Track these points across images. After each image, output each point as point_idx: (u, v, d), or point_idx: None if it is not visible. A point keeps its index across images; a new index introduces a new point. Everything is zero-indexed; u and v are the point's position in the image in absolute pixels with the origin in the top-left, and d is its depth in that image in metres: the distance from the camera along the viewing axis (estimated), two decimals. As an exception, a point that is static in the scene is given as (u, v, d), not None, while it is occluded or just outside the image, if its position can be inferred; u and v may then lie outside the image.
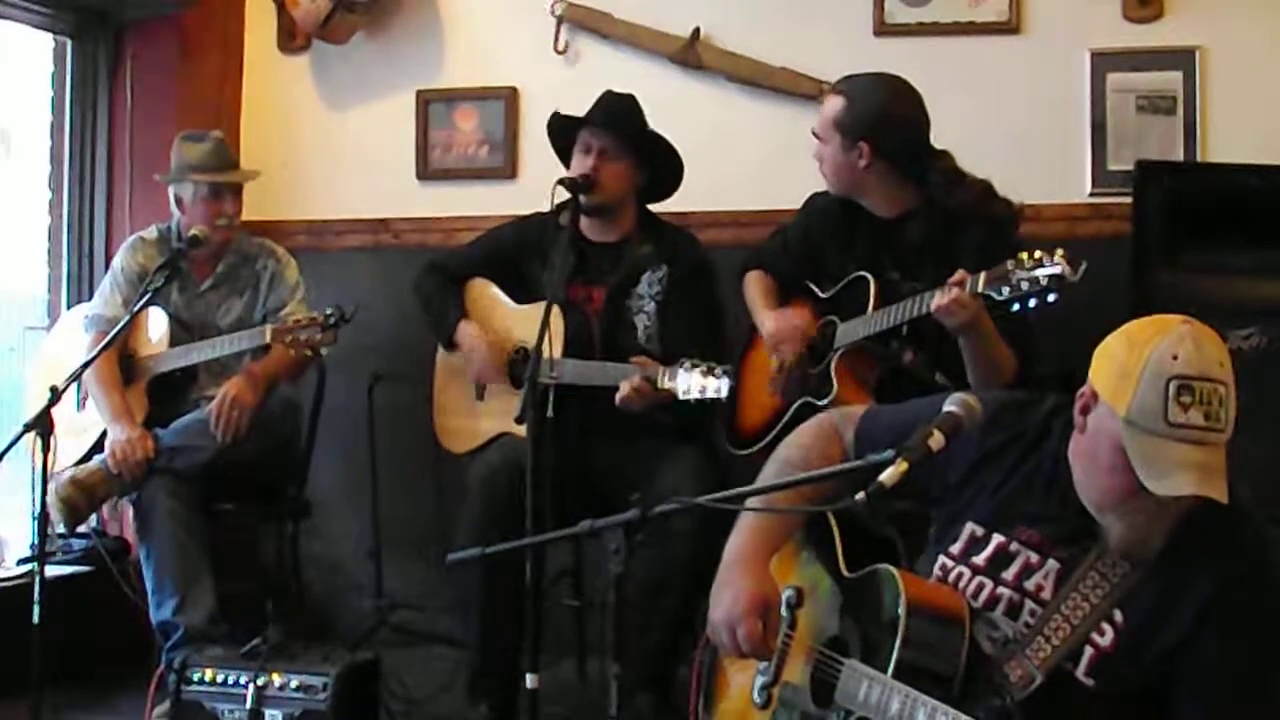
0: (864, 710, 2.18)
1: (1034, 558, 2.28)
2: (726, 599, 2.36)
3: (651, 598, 3.56)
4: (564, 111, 4.00)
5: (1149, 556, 2.16)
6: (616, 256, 3.99)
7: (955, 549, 2.36)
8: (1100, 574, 2.19)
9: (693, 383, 3.53)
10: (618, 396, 3.65)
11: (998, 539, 2.32)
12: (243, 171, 4.40)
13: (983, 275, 3.13)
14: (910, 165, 3.56)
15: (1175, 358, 2.05)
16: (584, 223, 3.96)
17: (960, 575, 2.33)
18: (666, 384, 3.58)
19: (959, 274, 3.19)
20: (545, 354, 3.42)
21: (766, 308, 3.81)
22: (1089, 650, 2.18)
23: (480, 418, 4.03)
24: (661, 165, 3.98)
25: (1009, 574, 2.29)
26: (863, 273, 3.56)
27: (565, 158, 4.01)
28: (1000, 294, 3.09)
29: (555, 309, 3.71)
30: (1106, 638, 2.18)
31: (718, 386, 3.52)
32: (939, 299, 3.20)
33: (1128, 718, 2.19)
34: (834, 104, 3.60)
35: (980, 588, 2.30)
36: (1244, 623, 2.12)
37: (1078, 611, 2.19)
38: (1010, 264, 3.07)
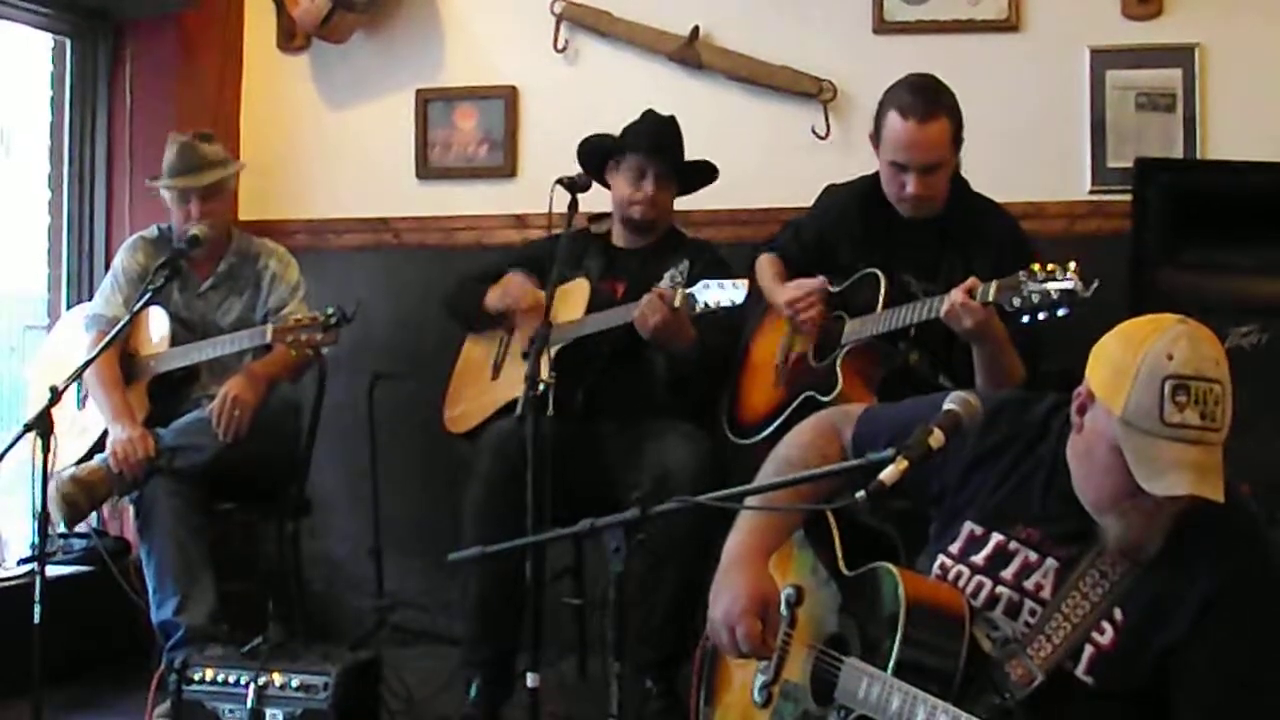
0: (864, 708, 2.19)
1: (1033, 556, 2.27)
2: (725, 598, 2.36)
3: (653, 575, 3.57)
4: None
5: (1148, 556, 2.16)
6: (643, 260, 4.04)
7: (954, 548, 2.36)
8: (1100, 572, 2.19)
9: (709, 295, 3.56)
10: (634, 314, 3.68)
11: (996, 538, 2.32)
12: (210, 172, 4.23)
13: (994, 284, 3.13)
14: None
15: (1171, 357, 2.04)
16: (616, 231, 4.04)
17: (960, 574, 2.33)
18: (680, 303, 3.60)
19: (970, 281, 3.19)
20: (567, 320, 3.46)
21: (779, 283, 3.81)
22: (1089, 649, 2.18)
23: (492, 391, 4.06)
24: (698, 180, 4.07)
25: (1008, 573, 2.29)
26: (874, 270, 3.56)
27: (595, 173, 4.00)
28: (1011, 305, 3.08)
29: (585, 283, 3.91)
30: (1106, 636, 2.18)
31: (733, 297, 3.54)
32: (948, 304, 3.20)
33: (1127, 717, 2.19)
34: (945, 126, 3.45)
35: (980, 587, 2.30)
36: (1243, 621, 2.12)
37: (1078, 610, 2.19)
38: (1023, 275, 3.06)
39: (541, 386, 3.31)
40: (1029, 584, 2.26)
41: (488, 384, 4.11)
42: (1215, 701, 2.11)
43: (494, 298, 4.08)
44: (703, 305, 3.58)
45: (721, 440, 3.89)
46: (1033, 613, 2.24)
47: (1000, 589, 2.28)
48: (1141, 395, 2.04)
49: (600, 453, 3.86)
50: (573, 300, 3.93)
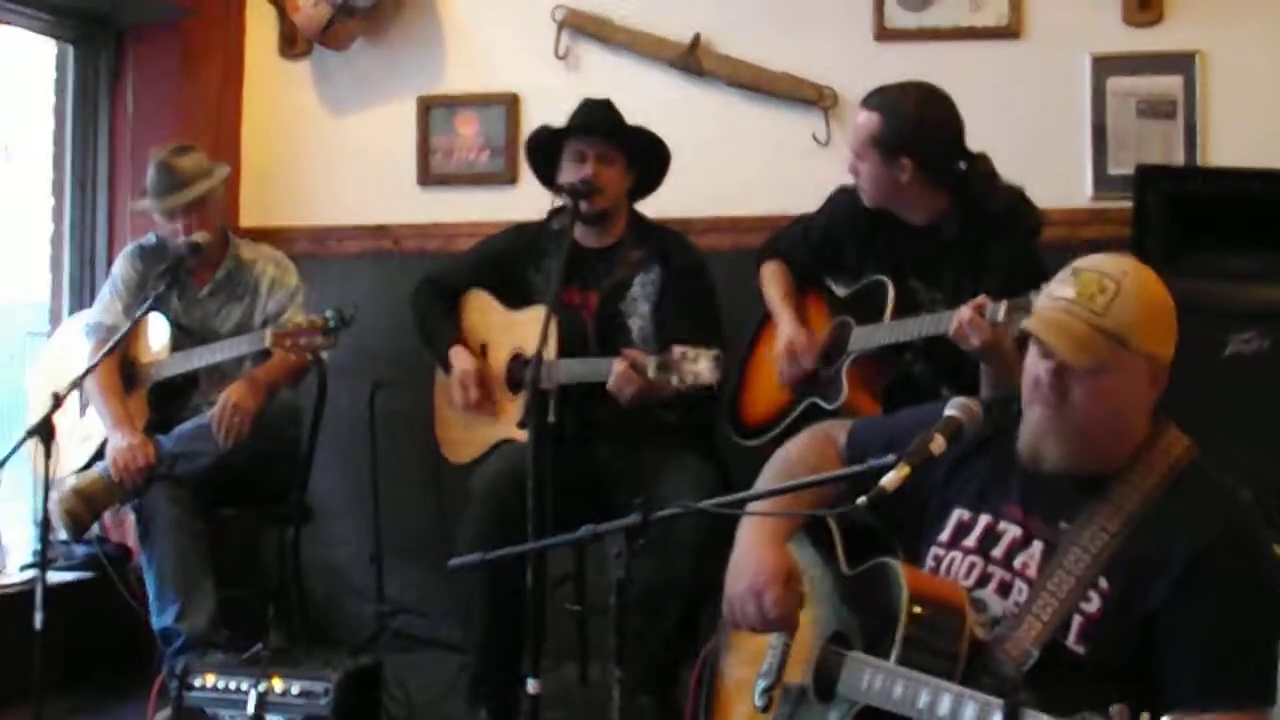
0: (867, 699, 2.19)
1: (1019, 534, 2.33)
2: (749, 571, 2.39)
3: (654, 603, 3.56)
4: (564, 119, 3.99)
5: (1048, 465, 2.26)
6: (609, 261, 3.99)
7: (944, 537, 2.41)
8: (1082, 548, 2.23)
9: (684, 371, 3.41)
10: (608, 385, 3.63)
11: (985, 519, 2.37)
12: (192, 188, 4.20)
13: (1004, 304, 3.10)
14: (948, 171, 3.55)
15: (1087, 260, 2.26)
16: (577, 229, 3.95)
17: (952, 561, 2.38)
18: (654, 374, 3.49)
19: (980, 299, 3.18)
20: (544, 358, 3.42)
21: (786, 309, 3.80)
22: (1077, 618, 2.22)
23: (480, 426, 4.02)
24: (649, 160, 3.98)
25: (998, 552, 2.33)
26: (882, 277, 3.55)
27: (545, 173, 4.01)
28: (1022, 326, 3.06)
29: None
30: (1093, 605, 2.21)
31: (709, 371, 3.36)
32: (956, 322, 3.19)
33: (1121, 690, 2.19)
34: (870, 121, 3.53)
35: (971, 567, 2.35)
36: (1224, 583, 2.15)
37: (1063, 586, 2.22)
38: (1034, 295, 3.04)
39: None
40: (1017, 563, 2.31)
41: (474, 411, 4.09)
42: (1199, 664, 2.14)
43: (455, 372, 4.00)
44: (676, 383, 3.43)
45: (726, 462, 3.87)
46: (1021, 592, 2.28)
47: (991, 568, 2.33)
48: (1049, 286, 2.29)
49: (598, 483, 3.81)
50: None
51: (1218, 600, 2.14)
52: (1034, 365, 2.27)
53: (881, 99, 3.55)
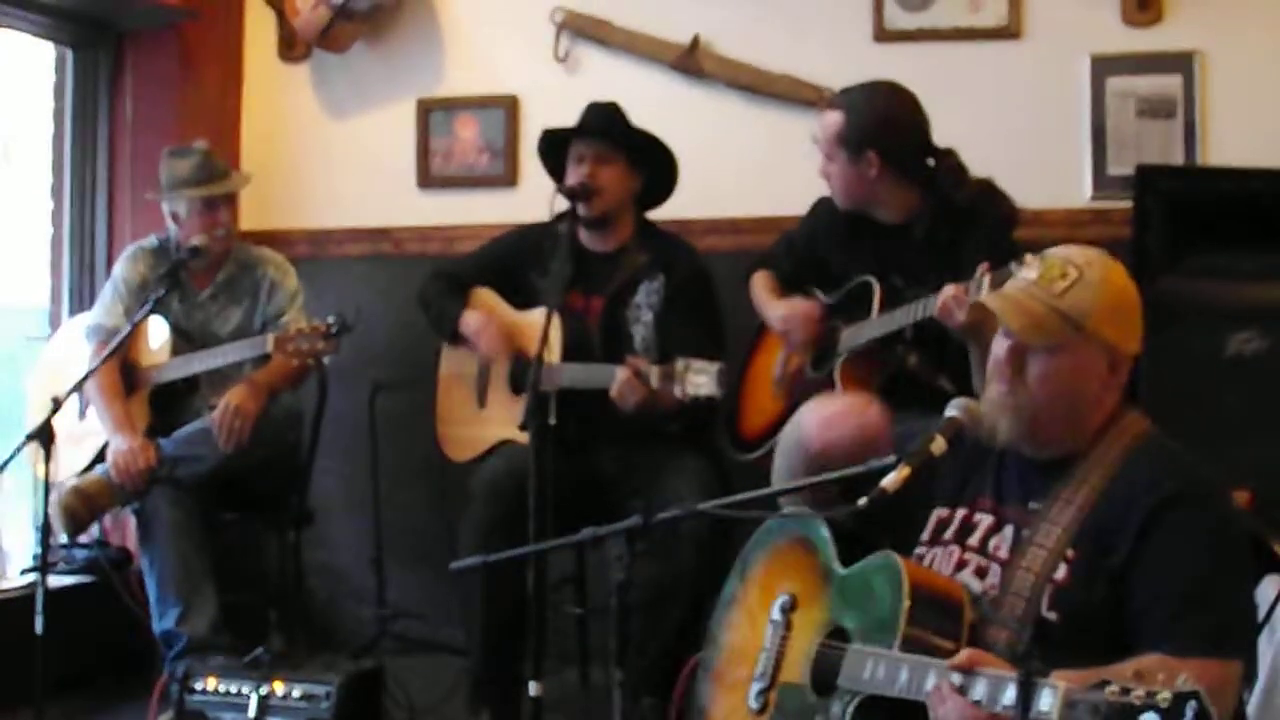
0: (870, 687, 2.20)
1: (991, 521, 2.37)
2: None
3: (656, 604, 3.56)
4: (563, 121, 4.00)
5: (1002, 439, 2.33)
6: (614, 266, 3.98)
7: (925, 536, 2.45)
8: (1050, 523, 2.27)
9: (686, 383, 3.47)
10: (611, 393, 3.64)
11: (961, 513, 2.42)
12: (234, 179, 4.37)
13: (986, 280, 3.13)
14: (916, 167, 3.58)
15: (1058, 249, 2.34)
16: (582, 233, 3.96)
17: (934, 557, 2.41)
18: (658, 384, 3.53)
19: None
20: (545, 360, 3.42)
21: (773, 299, 3.81)
22: (1049, 587, 2.24)
23: (482, 425, 4.03)
24: (656, 165, 3.98)
25: (974, 540, 2.38)
26: (867, 278, 3.56)
27: (558, 176, 4.00)
28: (982, 300, 3.09)
29: (555, 318, 3.69)
30: (1061, 572, 2.24)
31: (711, 384, 3.44)
32: (941, 300, 3.21)
33: (1102, 654, 2.19)
34: (833, 119, 3.60)
35: (950, 555, 2.39)
36: (1183, 532, 2.18)
37: (1036, 560, 2.26)
38: (1014, 266, 3.06)
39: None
40: (991, 546, 2.34)
41: (475, 410, 4.08)
42: (1164, 611, 2.16)
43: (470, 328, 4.01)
44: (679, 394, 3.47)
45: (725, 464, 3.87)
46: (996, 573, 2.31)
47: (968, 555, 2.36)
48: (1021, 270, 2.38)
49: (599, 485, 3.82)
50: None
51: (1178, 549, 2.18)
52: (996, 344, 2.34)
53: (843, 98, 3.64)
